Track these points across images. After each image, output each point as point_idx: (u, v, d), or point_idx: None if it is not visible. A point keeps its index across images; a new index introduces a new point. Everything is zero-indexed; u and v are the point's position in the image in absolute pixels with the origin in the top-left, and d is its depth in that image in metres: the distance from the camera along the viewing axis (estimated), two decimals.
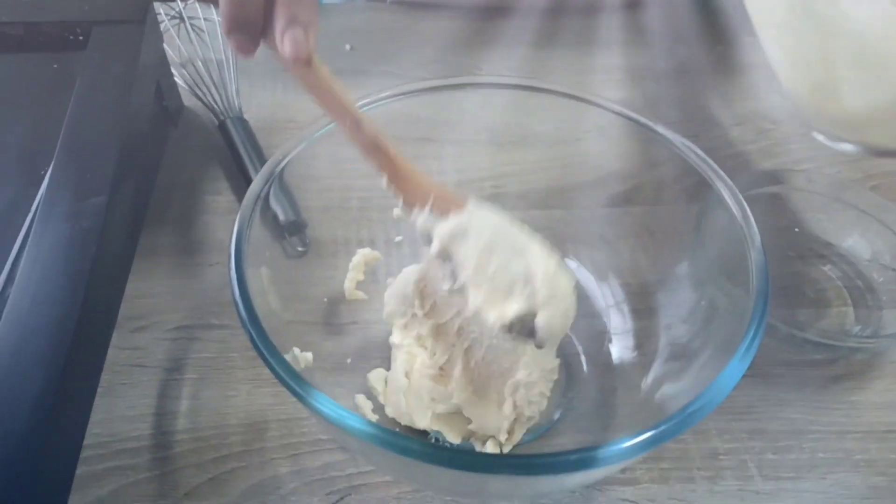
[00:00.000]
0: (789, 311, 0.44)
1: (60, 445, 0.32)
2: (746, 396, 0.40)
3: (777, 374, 0.41)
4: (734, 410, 0.40)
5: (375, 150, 0.34)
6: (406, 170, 0.34)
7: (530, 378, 0.35)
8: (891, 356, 0.42)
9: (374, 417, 0.37)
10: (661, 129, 0.39)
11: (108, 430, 0.38)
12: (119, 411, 0.39)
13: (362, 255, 0.43)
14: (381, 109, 0.41)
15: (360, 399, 0.38)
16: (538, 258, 0.34)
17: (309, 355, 0.35)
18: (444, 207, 0.34)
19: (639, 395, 0.37)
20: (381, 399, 0.38)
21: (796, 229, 0.48)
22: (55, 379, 0.31)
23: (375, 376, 0.38)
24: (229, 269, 0.31)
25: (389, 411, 0.37)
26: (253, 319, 0.30)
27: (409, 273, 0.41)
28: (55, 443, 0.31)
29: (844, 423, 0.39)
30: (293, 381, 0.28)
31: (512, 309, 0.33)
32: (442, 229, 0.34)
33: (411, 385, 0.37)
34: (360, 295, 0.43)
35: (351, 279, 0.43)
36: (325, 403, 0.27)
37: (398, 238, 0.46)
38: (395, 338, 0.39)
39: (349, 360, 0.40)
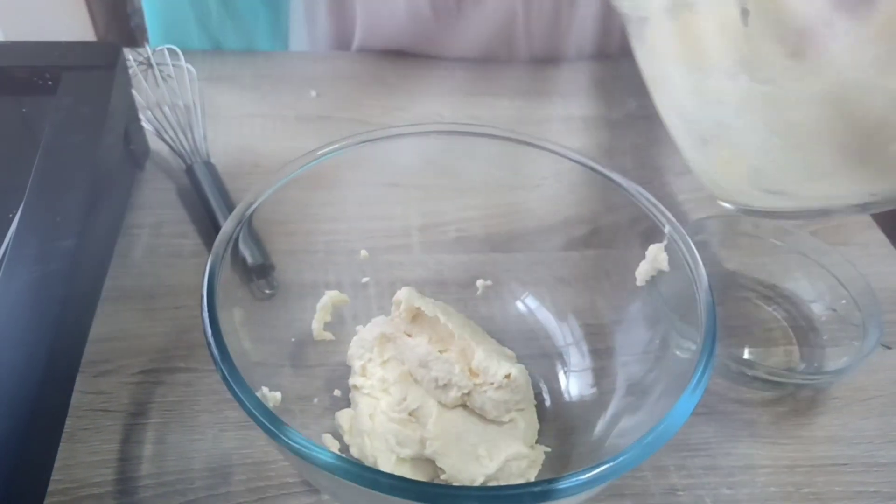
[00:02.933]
0: (738, 350, 0.47)
1: (25, 492, 0.32)
2: (701, 433, 0.42)
3: (730, 412, 0.43)
4: (690, 447, 0.41)
5: None
6: None
7: (521, 450, 0.37)
8: (833, 392, 0.44)
9: None
10: (615, 175, 0.41)
11: (70, 477, 0.37)
12: (82, 457, 0.38)
13: (330, 296, 0.44)
14: (347, 155, 0.42)
15: (328, 438, 0.38)
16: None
17: (278, 395, 0.36)
18: None
19: (598, 431, 0.39)
20: (346, 439, 0.39)
21: (743, 272, 0.51)
22: (21, 424, 0.31)
23: (343, 416, 0.39)
24: (202, 307, 0.32)
25: (354, 451, 0.38)
26: (225, 358, 0.30)
27: (377, 323, 0.42)
28: (20, 489, 0.31)
29: (793, 458, 0.41)
30: (264, 418, 0.28)
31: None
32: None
33: (375, 427, 0.38)
34: (328, 336, 0.43)
35: (318, 319, 0.43)
36: (295, 438, 0.28)
37: (364, 279, 0.47)
38: (355, 380, 0.40)
39: (316, 401, 0.41)
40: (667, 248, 0.39)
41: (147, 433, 0.40)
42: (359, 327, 0.43)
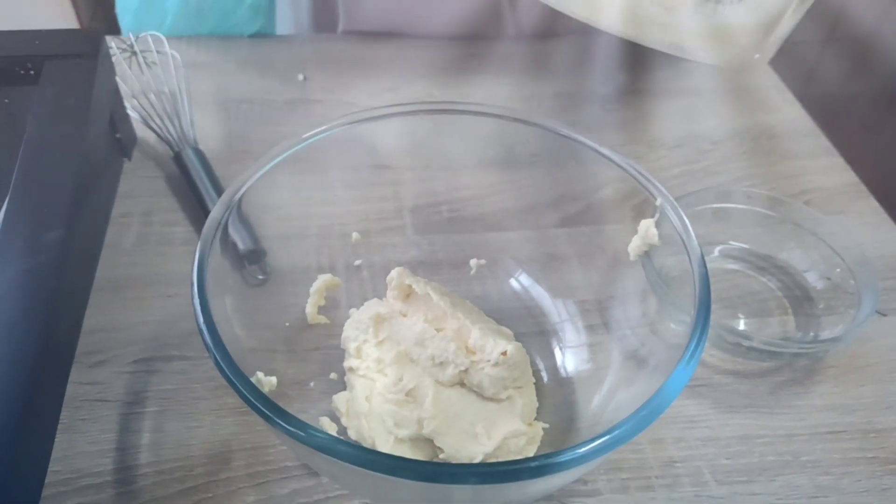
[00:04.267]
0: (734, 322, 0.47)
1: (22, 483, 0.31)
2: (699, 405, 0.42)
3: (726, 383, 0.43)
4: (688, 419, 0.41)
5: None
6: None
7: (520, 427, 0.37)
8: (829, 361, 0.44)
9: None
10: (606, 151, 0.41)
11: (69, 467, 0.37)
12: (80, 447, 0.38)
13: (323, 280, 0.43)
14: (337, 135, 0.42)
15: (325, 421, 0.38)
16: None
17: (273, 379, 0.36)
18: None
19: (595, 405, 0.39)
20: (343, 421, 0.39)
21: (736, 243, 0.51)
22: (16, 416, 0.30)
23: (340, 399, 0.39)
24: (192, 293, 0.32)
25: (352, 434, 0.38)
26: (217, 343, 0.30)
27: (371, 305, 0.42)
28: (17, 481, 0.30)
29: (791, 427, 0.41)
30: (260, 403, 0.28)
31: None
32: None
33: (372, 409, 0.38)
34: (322, 319, 0.43)
35: (312, 304, 0.43)
36: (291, 421, 0.28)
37: (357, 262, 0.47)
38: (350, 362, 0.40)
39: (312, 384, 0.41)
40: (659, 222, 0.38)
41: (145, 422, 0.40)
42: (352, 310, 0.43)
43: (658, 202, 0.37)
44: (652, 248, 0.40)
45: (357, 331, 0.41)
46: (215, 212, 0.36)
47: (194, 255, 0.33)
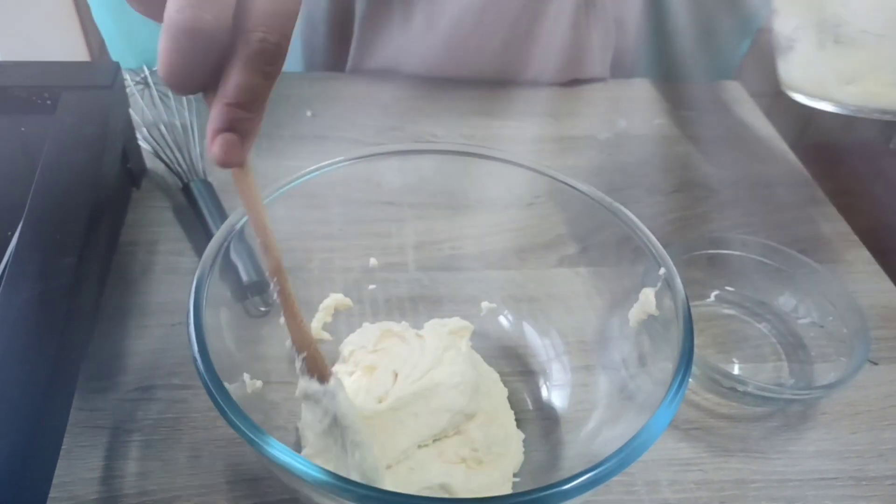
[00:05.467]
0: (729, 366, 0.47)
1: None
2: (693, 448, 0.42)
3: (720, 427, 0.44)
4: (682, 462, 0.42)
5: (277, 274, 0.32)
6: (293, 312, 0.33)
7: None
8: (822, 407, 0.45)
9: None
10: (600, 196, 0.42)
11: (67, 494, 0.37)
12: (79, 474, 0.38)
13: (334, 298, 0.45)
14: (342, 172, 0.43)
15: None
16: None
17: (258, 382, 0.36)
18: (313, 366, 0.34)
19: (581, 442, 0.39)
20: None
21: (732, 288, 0.52)
22: (23, 439, 0.31)
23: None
24: (188, 319, 0.32)
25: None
26: (204, 355, 0.31)
27: (386, 323, 0.43)
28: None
29: (784, 472, 0.41)
30: (244, 426, 0.29)
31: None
32: (303, 387, 0.34)
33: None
34: (326, 335, 0.44)
35: (319, 319, 0.44)
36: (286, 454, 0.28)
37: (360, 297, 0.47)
38: (336, 366, 0.42)
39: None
40: (659, 292, 0.39)
41: (143, 450, 0.40)
42: (365, 323, 0.44)
43: (661, 272, 0.38)
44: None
45: (360, 337, 0.42)
46: (216, 238, 0.37)
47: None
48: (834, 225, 0.60)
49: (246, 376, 0.35)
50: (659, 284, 0.38)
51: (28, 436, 0.31)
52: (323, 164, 0.42)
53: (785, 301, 0.50)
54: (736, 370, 0.47)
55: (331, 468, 0.28)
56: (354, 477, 0.33)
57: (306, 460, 0.28)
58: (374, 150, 0.44)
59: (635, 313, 0.40)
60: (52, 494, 0.36)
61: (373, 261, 0.48)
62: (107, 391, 0.42)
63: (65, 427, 0.37)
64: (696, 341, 0.47)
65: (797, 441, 0.43)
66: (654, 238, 0.39)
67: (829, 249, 0.57)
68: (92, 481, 0.38)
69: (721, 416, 0.44)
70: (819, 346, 0.48)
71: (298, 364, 0.33)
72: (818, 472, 0.41)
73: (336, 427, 0.34)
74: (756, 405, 0.44)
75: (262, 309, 0.45)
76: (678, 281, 0.36)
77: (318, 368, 0.33)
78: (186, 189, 0.54)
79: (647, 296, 0.39)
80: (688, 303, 0.35)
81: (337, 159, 0.42)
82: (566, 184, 0.44)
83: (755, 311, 0.51)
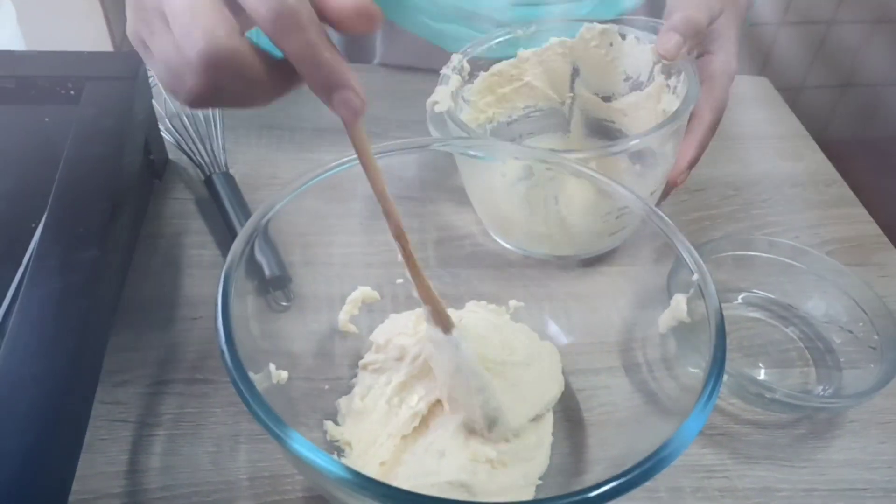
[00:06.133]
0: (755, 371, 0.47)
1: (45, 502, 0.32)
2: (717, 454, 0.42)
3: (745, 433, 0.43)
4: (706, 468, 0.41)
5: (399, 238, 0.35)
6: (417, 271, 0.36)
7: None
8: (850, 415, 0.44)
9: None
10: (628, 194, 0.41)
11: (88, 487, 0.37)
12: (99, 467, 0.38)
13: (361, 291, 0.44)
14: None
15: (329, 425, 0.39)
16: None
17: (284, 374, 0.36)
18: (437, 318, 0.37)
19: (604, 446, 0.39)
20: (339, 421, 0.40)
21: (759, 291, 0.51)
22: (44, 432, 0.31)
23: (343, 401, 0.40)
24: (216, 314, 0.32)
25: (347, 435, 0.39)
26: (232, 349, 0.31)
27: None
28: (41, 499, 0.31)
29: (810, 481, 0.41)
30: (268, 420, 0.28)
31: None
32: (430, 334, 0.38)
33: (365, 407, 0.39)
34: (352, 328, 0.44)
35: (346, 311, 0.44)
36: (307, 448, 0.28)
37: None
38: (368, 358, 0.42)
39: (327, 387, 0.41)
40: (680, 267, 0.38)
41: (164, 444, 0.40)
42: (392, 314, 0.44)
43: (695, 278, 0.37)
44: (674, 291, 0.40)
45: (391, 325, 0.43)
46: (244, 231, 0.36)
47: (220, 275, 0.34)
48: (864, 226, 0.59)
49: (271, 366, 0.35)
50: (692, 291, 0.37)
51: (50, 430, 0.31)
52: (344, 160, 0.42)
53: (813, 305, 0.49)
54: (762, 375, 0.46)
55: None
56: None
57: (329, 456, 0.28)
58: (399, 145, 0.43)
59: (666, 319, 0.39)
60: (73, 487, 0.36)
61: (393, 257, 0.48)
62: (128, 385, 0.42)
63: (87, 421, 0.38)
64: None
65: (824, 449, 0.42)
66: (687, 242, 0.38)
67: (858, 252, 0.56)
68: (113, 475, 0.38)
69: (746, 422, 0.44)
70: (848, 352, 0.47)
71: (426, 315, 0.38)
72: (846, 483, 0.41)
73: (459, 373, 0.37)
74: (783, 412, 0.43)
75: (284, 304, 0.45)
76: (712, 288, 0.35)
77: (443, 320, 0.37)
78: (209, 181, 0.53)
79: (679, 302, 0.38)
80: (721, 312, 0.34)
81: (347, 157, 0.42)
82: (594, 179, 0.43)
83: (782, 315, 0.50)
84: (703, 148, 0.51)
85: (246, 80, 0.28)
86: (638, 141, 0.47)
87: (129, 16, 0.30)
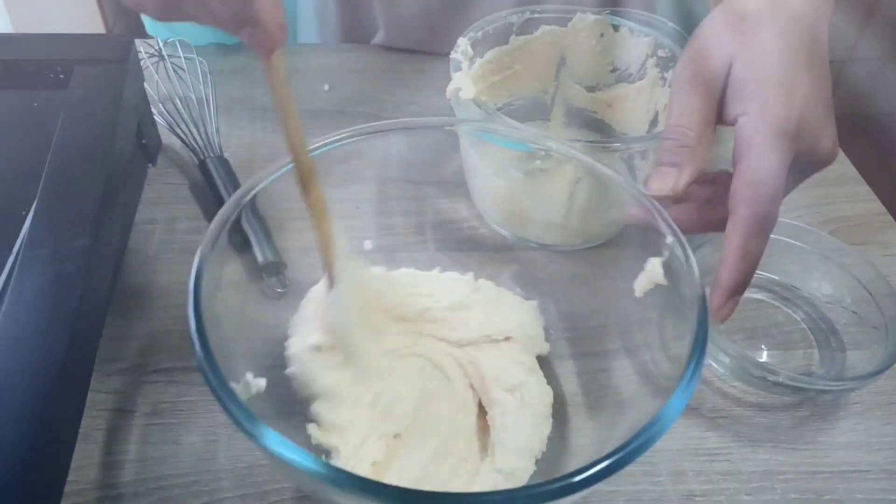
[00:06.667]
0: (757, 353, 0.46)
1: (41, 493, 0.31)
2: (720, 437, 0.41)
3: (748, 416, 0.43)
4: (708, 451, 0.41)
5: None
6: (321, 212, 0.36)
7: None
8: (854, 397, 0.44)
9: None
10: (617, 177, 0.40)
11: (85, 477, 0.37)
12: (96, 457, 0.38)
13: None
14: (358, 145, 0.41)
15: (311, 427, 0.38)
16: None
17: (262, 381, 0.35)
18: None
19: (613, 430, 0.38)
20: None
21: (762, 272, 0.50)
22: (39, 423, 0.30)
23: None
24: (189, 300, 0.32)
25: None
26: (206, 347, 0.30)
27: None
28: (37, 490, 0.30)
29: (813, 464, 0.40)
30: (241, 416, 0.28)
31: None
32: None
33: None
34: None
35: None
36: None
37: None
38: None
39: None
40: (667, 261, 0.37)
41: (162, 434, 0.39)
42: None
43: (669, 240, 0.37)
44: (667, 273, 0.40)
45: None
46: (223, 210, 0.36)
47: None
48: (867, 205, 0.58)
49: (249, 375, 0.34)
50: (667, 254, 0.37)
51: (45, 420, 0.31)
52: (342, 134, 0.41)
53: (816, 285, 0.49)
54: (764, 357, 0.46)
55: None
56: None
57: (301, 450, 0.27)
58: (392, 125, 0.42)
59: (641, 283, 0.38)
60: (70, 477, 0.36)
61: (368, 244, 0.47)
62: (124, 373, 0.42)
63: (82, 410, 0.37)
64: (722, 326, 0.46)
65: (827, 431, 0.42)
66: (661, 208, 0.37)
67: (862, 231, 0.55)
68: (110, 465, 0.38)
69: (749, 405, 0.43)
70: (851, 332, 0.46)
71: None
72: (849, 465, 0.40)
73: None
74: (786, 395, 0.43)
75: (279, 290, 0.44)
76: (692, 258, 0.35)
77: (329, 273, 0.37)
78: (203, 165, 0.53)
79: (654, 265, 0.37)
80: (702, 287, 0.34)
81: (355, 129, 0.41)
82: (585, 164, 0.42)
83: (784, 296, 0.49)
84: (746, 263, 0.35)
85: None
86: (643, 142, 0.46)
87: None
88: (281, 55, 0.30)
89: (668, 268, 0.37)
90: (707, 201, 0.39)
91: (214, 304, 0.33)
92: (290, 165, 0.38)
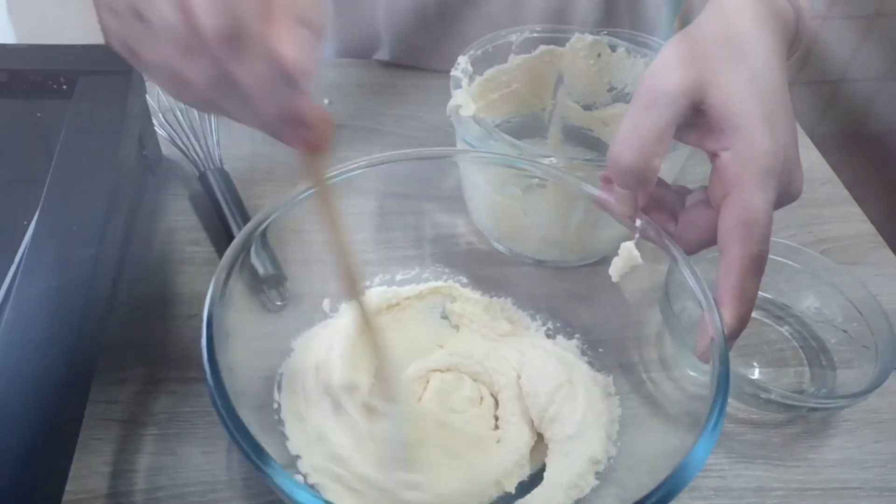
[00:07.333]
0: (749, 370, 0.47)
1: (39, 502, 0.31)
2: (712, 454, 0.41)
3: (739, 432, 0.43)
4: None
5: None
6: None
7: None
8: (845, 414, 0.44)
9: None
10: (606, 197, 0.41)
11: (83, 487, 0.37)
12: (95, 467, 0.38)
13: None
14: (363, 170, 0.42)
15: None
16: None
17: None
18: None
19: (612, 451, 0.39)
20: None
21: None
22: (40, 432, 0.31)
23: None
24: (202, 343, 0.32)
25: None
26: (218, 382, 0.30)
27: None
28: (34, 499, 0.30)
29: (804, 481, 0.41)
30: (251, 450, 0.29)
31: None
32: None
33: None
34: None
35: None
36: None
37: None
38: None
39: None
40: (639, 243, 0.38)
41: (159, 444, 0.40)
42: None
43: (638, 223, 0.38)
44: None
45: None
46: (235, 242, 0.36)
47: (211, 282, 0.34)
48: (858, 225, 0.59)
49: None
50: (637, 236, 0.38)
51: (44, 429, 0.31)
52: (343, 168, 0.41)
53: (808, 304, 0.49)
54: (756, 374, 0.46)
55: None
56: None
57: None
58: (395, 157, 0.43)
59: (617, 267, 0.39)
60: (67, 488, 0.36)
61: (389, 254, 0.47)
62: (123, 383, 0.42)
63: (81, 420, 0.37)
64: None
65: (819, 448, 0.43)
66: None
67: (853, 251, 0.56)
68: (107, 475, 0.38)
69: (740, 421, 0.44)
70: (842, 351, 0.47)
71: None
72: (840, 482, 0.41)
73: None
74: (778, 412, 0.43)
75: (279, 303, 0.45)
76: (707, 292, 0.35)
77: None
78: (203, 177, 0.53)
79: (629, 250, 0.38)
80: (720, 316, 0.34)
81: (353, 165, 0.41)
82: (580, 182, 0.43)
83: (776, 315, 0.50)
84: (743, 305, 0.34)
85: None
86: None
87: (105, 23, 0.28)
88: (327, 156, 0.30)
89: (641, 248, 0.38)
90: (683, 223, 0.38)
91: (224, 320, 0.33)
92: (299, 197, 0.39)
